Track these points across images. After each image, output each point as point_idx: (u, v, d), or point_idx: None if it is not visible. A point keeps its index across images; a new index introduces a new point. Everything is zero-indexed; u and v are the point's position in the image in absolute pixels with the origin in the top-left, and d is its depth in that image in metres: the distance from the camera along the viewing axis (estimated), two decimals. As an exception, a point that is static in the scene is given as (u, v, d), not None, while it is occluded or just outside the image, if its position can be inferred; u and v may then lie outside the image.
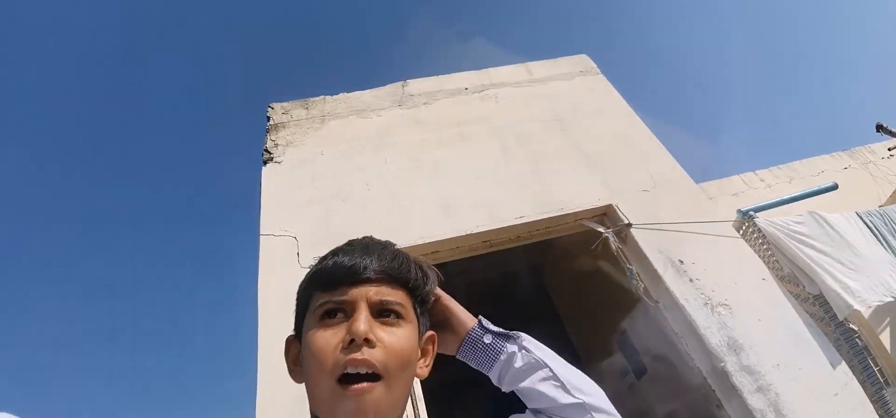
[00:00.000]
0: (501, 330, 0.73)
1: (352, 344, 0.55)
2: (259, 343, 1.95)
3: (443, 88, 2.91)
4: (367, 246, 0.64)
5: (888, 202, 4.34)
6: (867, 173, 5.05)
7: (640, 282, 2.32)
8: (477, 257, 2.50)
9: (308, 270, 0.64)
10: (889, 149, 5.02)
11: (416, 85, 2.92)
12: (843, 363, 2.11)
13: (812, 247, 2.22)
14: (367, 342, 0.56)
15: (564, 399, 0.66)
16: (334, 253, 0.64)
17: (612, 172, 2.66)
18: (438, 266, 2.36)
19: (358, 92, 2.87)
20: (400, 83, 2.89)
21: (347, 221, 2.28)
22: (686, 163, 2.82)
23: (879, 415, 2.20)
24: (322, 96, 2.84)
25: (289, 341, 0.66)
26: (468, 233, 2.29)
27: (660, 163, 2.77)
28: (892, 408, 2.20)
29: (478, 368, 0.72)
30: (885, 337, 3.11)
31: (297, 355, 0.64)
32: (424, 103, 2.84)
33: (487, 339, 0.71)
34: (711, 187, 5.44)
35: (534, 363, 0.68)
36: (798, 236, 2.26)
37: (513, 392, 0.71)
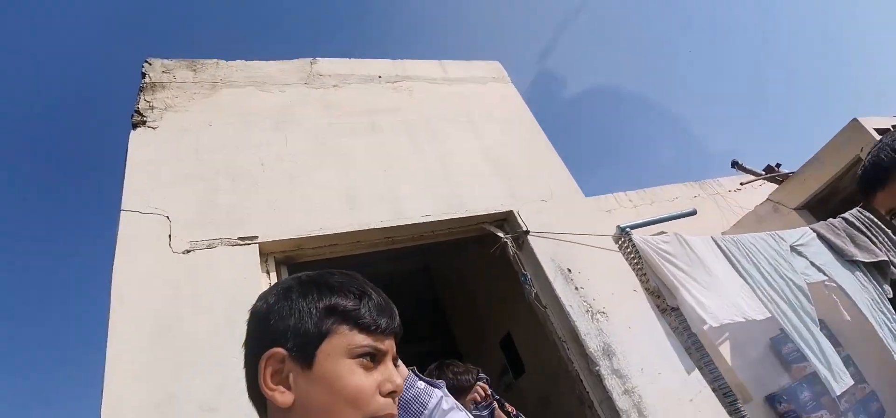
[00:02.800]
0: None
1: (392, 394, 0.63)
2: (109, 337, 1.61)
3: (355, 73, 2.71)
4: (387, 299, 0.68)
5: (732, 230, 5.14)
6: (714, 203, 5.88)
7: (533, 288, 2.41)
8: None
9: (309, 287, 0.64)
10: (741, 184, 5.96)
11: (327, 65, 2.68)
12: (697, 371, 2.38)
13: (674, 264, 2.50)
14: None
15: None
16: (363, 294, 0.65)
17: (516, 180, 2.72)
18: (336, 259, 2.18)
19: (259, 61, 2.55)
20: (309, 60, 2.62)
21: (236, 202, 1.99)
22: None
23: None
24: (215, 60, 2.47)
25: (274, 355, 0.60)
26: (372, 227, 2.15)
27: (557, 176, 2.90)
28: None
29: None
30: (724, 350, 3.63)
31: (280, 373, 0.61)
32: (334, 85, 2.63)
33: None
34: (590, 203, 5.99)
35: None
36: (663, 253, 2.52)
37: None
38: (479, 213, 2.46)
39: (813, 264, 2.79)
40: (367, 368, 0.62)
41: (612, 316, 2.38)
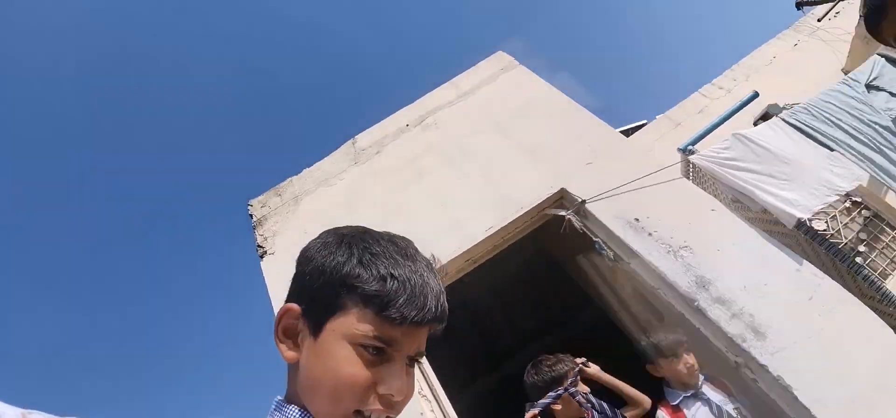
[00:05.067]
0: None
1: (387, 398, 0.57)
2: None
3: (387, 133, 3.05)
4: (424, 286, 0.58)
5: (849, 65, 4.32)
6: (822, 43, 5.02)
7: (610, 251, 2.46)
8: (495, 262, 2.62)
9: (341, 250, 0.59)
10: (818, 20, 4.97)
11: (364, 138, 3.07)
12: (808, 266, 2.19)
13: (742, 169, 2.30)
14: None
15: None
16: (393, 277, 0.56)
17: (555, 157, 2.77)
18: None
19: (317, 163, 3.05)
20: (349, 142, 3.05)
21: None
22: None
23: (877, 300, 2.25)
24: (289, 178, 3.03)
25: (290, 311, 0.60)
26: (449, 260, 2.45)
27: (593, 132, 2.84)
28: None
29: None
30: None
31: (293, 329, 0.60)
32: (376, 153, 3.00)
33: None
34: (678, 112, 5.49)
35: None
36: (728, 162, 2.34)
37: None
38: (534, 205, 2.59)
39: (892, 94, 2.32)
40: (369, 361, 0.56)
41: (697, 247, 2.31)
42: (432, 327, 0.61)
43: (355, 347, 0.56)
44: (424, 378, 2.20)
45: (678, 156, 2.68)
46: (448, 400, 2.12)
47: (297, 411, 0.58)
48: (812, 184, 2.17)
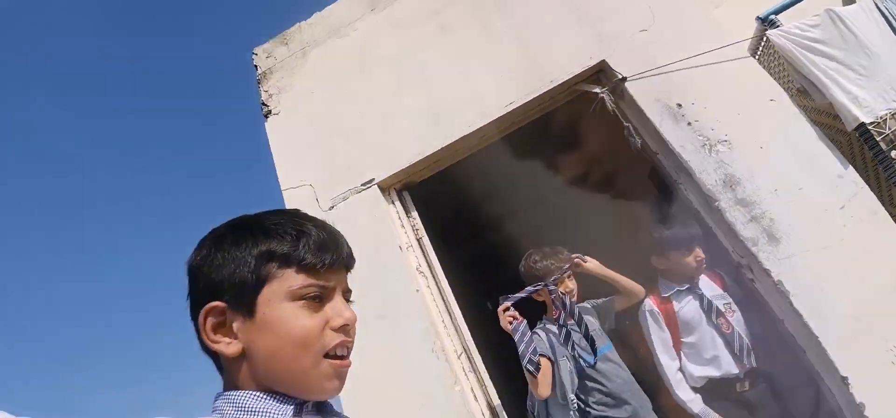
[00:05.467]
0: None
1: (343, 328, 0.63)
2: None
3: (411, -25, 2.62)
4: (332, 232, 0.66)
5: None
6: None
7: (638, 139, 2.29)
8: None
9: (239, 234, 0.62)
10: None
11: (384, -20, 2.66)
12: (852, 173, 2.02)
13: (824, 54, 1.96)
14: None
15: None
16: (301, 233, 0.62)
17: (604, 18, 2.39)
18: (440, 174, 2.42)
19: (328, 7, 2.70)
20: (368, -16, 2.64)
21: (351, 154, 2.37)
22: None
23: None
24: (297, 24, 2.71)
25: (213, 309, 0.60)
26: (461, 136, 2.31)
27: None
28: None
29: None
30: None
31: (223, 324, 0.61)
32: (397, -1, 2.63)
33: None
34: (706, 8, 4.53)
35: None
36: (811, 44, 1.97)
37: None
38: (566, 79, 2.34)
39: None
40: (312, 308, 0.61)
41: (738, 141, 2.13)
42: (348, 265, 0.68)
43: (295, 302, 0.60)
44: (424, 255, 2.26)
45: (753, 29, 2.29)
46: (447, 281, 2.21)
47: (248, 394, 0.59)
48: (884, 86, 1.88)
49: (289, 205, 2.37)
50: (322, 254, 0.62)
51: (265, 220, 0.64)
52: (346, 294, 0.67)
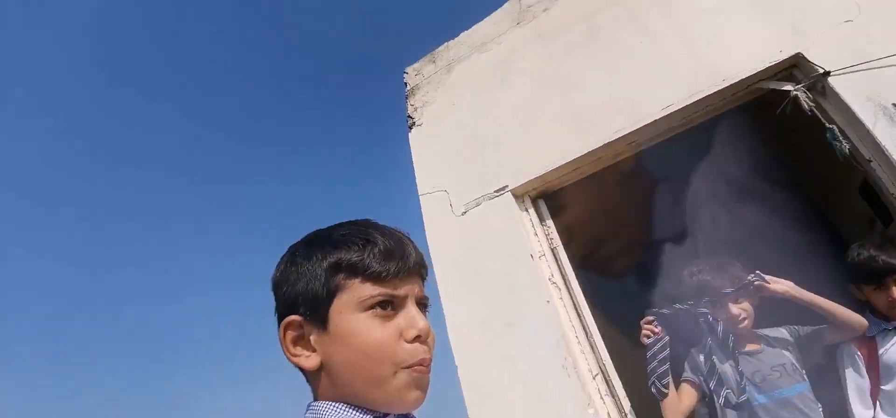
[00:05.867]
0: None
1: (418, 339, 0.60)
2: (438, 281, 2.30)
3: (560, -17, 2.56)
4: (400, 239, 0.65)
5: None
6: None
7: (845, 143, 1.77)
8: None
9: (311, 250, 0.64)
10: None
11: (531, -7, 2.65)
12: None
13: None
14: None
15: None
16: (367, 242, 0.62)
17: (797, 8, 1.98)
18: (578, 182, 2.26)
19: (475, 25, 2.79)
20: (514, -1, 2.67)
21: (486, 161, 2.34)
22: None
23: None
24: (445, 44, 2.87)
25: (290, 323, 0.62)
26: (606, 142, 2.10)
27: None
28: None
29: None
30: None
31: (301, 337, 0.62)
32: (544, 10, 2.56)
33: None
34: None
35: None
36: None
37: None
38: (741, 78, 1.96)
39: None
40: (384, 317, 0.60)
41: None
42: (421, 273, 0.66)
43: (367, 312, 0.60)
44: (558, 266, 2.06)
45: None
46: (580, 288, 1.97)
47: (329, 406, 0.59)
48: None
49: (424, 210, 2.43)
50: (387, 262, 0.61)
51: (334, 232, 0.65)
52: (422, 303, 0.66)
